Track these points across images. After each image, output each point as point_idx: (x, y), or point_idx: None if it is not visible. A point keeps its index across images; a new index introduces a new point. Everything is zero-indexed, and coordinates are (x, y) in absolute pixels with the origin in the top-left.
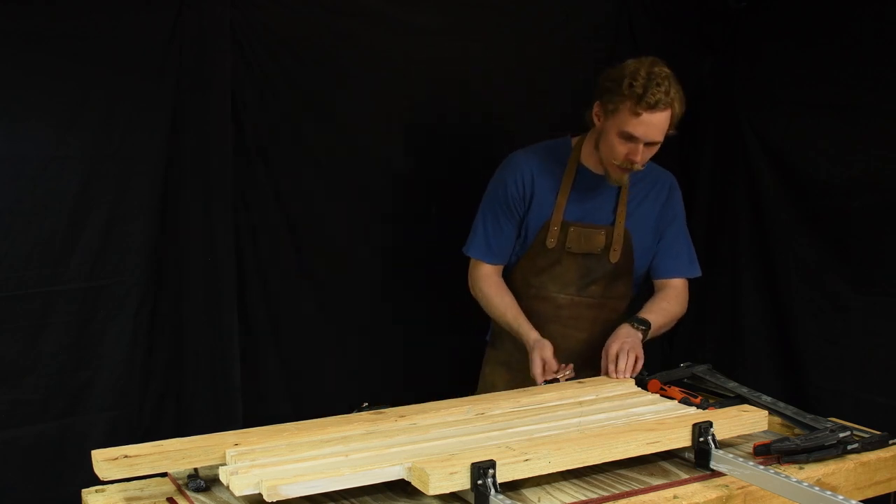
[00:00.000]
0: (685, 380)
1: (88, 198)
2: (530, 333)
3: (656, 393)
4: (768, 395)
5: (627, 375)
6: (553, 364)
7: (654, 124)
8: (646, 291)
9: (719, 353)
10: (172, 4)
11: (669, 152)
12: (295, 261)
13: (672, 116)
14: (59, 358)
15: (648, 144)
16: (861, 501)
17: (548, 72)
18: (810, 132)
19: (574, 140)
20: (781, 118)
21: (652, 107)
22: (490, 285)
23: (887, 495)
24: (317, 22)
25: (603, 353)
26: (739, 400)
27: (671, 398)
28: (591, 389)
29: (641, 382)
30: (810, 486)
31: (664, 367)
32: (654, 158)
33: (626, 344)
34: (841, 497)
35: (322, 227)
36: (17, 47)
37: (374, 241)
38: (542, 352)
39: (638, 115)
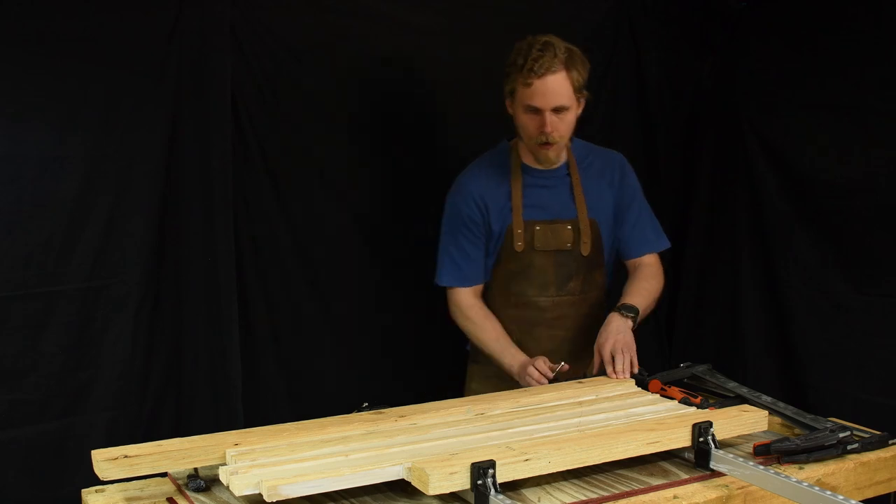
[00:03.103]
0: (685, 380)
1: (88, 198)
2: (514, 361)
3: (657, 393)
4: (768, 395)
5: (627, 375)
6: (547, 371)
7: (550, 89)
8: (620, 277)
9: (719, 353)
10: (172, 4)
11: (670, 152)
12: (295, 261)
13: (571, 79)
14: (59, 358)
15: (557, 112)
16: (861, 501)
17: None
18: (810, 132)
19: (511, 143)
20: (781, 118)
21: (539, 73)
22: (472, 314)
23: (887, 495)
24: (317, 22)
25: (596, 349)
26: (739, 400)
27: (671, 398)
28: (590, 389)
29: (642, 382)
30: (810, 486)
31: (664, 367)
32: (653, 155)
33: (618, 342)
34: (841, 497)
35: (322, 226)
36: (17, 47)
37: (373, 240)
38: (532, 369)
39: (529, 84)
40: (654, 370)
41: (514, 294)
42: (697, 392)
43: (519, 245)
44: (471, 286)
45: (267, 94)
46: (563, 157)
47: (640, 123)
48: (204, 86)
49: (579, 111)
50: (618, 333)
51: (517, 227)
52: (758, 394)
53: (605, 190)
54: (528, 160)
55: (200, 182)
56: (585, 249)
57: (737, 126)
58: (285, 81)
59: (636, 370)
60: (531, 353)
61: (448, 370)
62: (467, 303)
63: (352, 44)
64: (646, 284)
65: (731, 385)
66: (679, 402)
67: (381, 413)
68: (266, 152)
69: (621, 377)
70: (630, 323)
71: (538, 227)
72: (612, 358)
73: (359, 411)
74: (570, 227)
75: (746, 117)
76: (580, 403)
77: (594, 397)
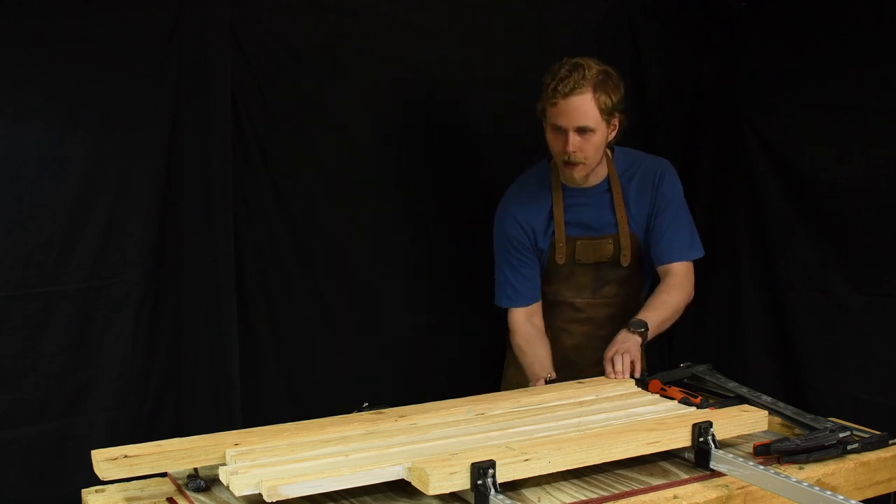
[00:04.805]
0: (685, 380)
1: (88, 198)
2: (532, 380)
3: (657, 393)
4: (768, 395)
5: (626, 375)
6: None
7: (573, 109)
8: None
9: (719, 353)
10: (172, 4)
11: (670, 152)
12: (295, 261)
13: (598, 101)
14: (59, 358)
15: (581, 132)
16: (861, 501)
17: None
18: (810, 132)
19: (551, 163)
20: (781, 118)
21: (564, 93)
22: (517, 338)
23: (887, 495)
24: (317, 22)
25: (604, 360)
26: (739, 400)
27: (671, 398)
28: (591, 389)
29: (642, 383)
30: (810, 486)
31: (664, 367)
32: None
33: (621, 348)
34: (841, 497)
35: (321, 226)
36: (18, 47)
37: (373, 241)
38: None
39: (555, 104)
40: (654, 370)
41: (550, 293)
42: (697, 392)
43: (560, 258)
44: (526, 305)
45: (267, 94)
46: (603, 174)
47: (640, 123)
48: (204, 86)
49: (610, 134)
50: (622, 343)
51: (559, 242)
52: (758, 394)
53: (645, 201)
54: (565, 179)
55: (200, 182)
56: (626, 261)
57: (737, 126)
58: (285, 81)
59: (637, 374)
60: (565, 345)
61: (449, 370)
62: (516, 325)
63: (352, 44)
64: (665, 297)
65: (731, 385)
66: (679, 402)
67: (381, 413)
68: (266, 152)
69: (620, 377)
70: (638, 338)
71: (580, 243)
72: (613, 360)
73: (359, 411)
74: (611, 241)
75: (746, 117)
76: (580, 403)
77: (594, 397)
